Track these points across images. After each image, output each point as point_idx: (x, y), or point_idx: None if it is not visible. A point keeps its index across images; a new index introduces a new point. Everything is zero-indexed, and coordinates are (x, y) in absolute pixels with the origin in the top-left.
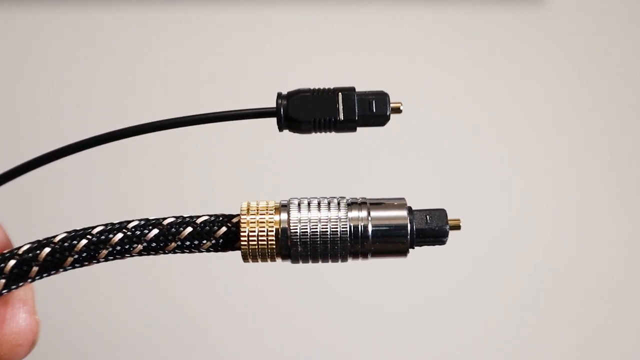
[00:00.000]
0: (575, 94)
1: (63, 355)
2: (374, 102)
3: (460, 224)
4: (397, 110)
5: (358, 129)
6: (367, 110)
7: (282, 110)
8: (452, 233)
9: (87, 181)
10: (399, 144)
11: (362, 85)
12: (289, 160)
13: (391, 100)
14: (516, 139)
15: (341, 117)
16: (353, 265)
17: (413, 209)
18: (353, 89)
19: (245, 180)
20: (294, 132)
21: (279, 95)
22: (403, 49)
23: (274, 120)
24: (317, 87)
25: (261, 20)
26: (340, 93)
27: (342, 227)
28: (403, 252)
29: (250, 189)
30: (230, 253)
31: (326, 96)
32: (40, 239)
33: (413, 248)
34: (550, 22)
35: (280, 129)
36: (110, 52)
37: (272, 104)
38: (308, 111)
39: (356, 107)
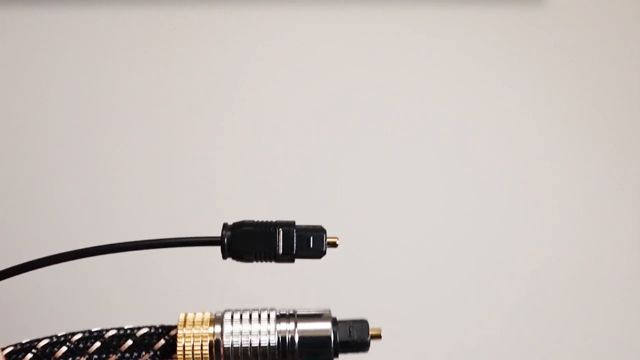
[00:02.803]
0: (575, 93)
1: None
2: (311, 238)
3: (381, 334)
4: (333, 245)
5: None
6: (305, 245)
7: (225, 241)
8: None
9: None
10: (397, 141)
11: (362, 85)
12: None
13: (328, 236)
14: (516, 139)
15: (280, 252)
16: (354, 269)
17: (338, 319)
18: (293, 223)
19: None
20: (237, 260)
21: (224, 227)
22: (401, 48)
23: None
24: (259, 220)
25: (261, 20)
26: (280, 229)
27: (271, 340)
28: None
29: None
30: None
31: (267, 231)
32: None
33: (337, 357)
34: (550, 22)
35: (224, 257)
36: (110, 52)
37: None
38: (250, 245)
39: (294, 243)
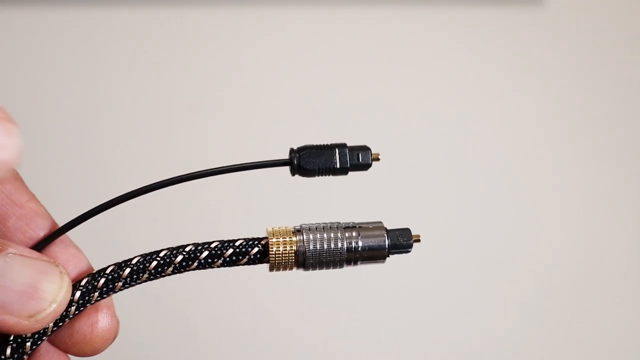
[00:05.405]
0: (575, 93)
1: None
2: (360, 154)
3: (420, 239)
4: (377, 159)
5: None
6: (355, 160)
7: (295, 161)
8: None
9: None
10: (397, 141)
11: (363, 85)
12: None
13: (372, 152)
14: (516, 138)
15: (337, 165)
16: (358, 271)
17: (388, 228)
18: (345, 145)
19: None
20: (302, 176)
21: (292, 151)
22: (402, 48)
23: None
24: (317, 144)
25: (260, 20)
26: (336, 149)
27: (340, 244)
28: (383, 259)
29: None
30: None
31: (326, 151)
32: (120, 261)
33: (389, 256)
34: (550, 22)
35: (293, 174)
36: (110, 52)
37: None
38: (313, 162)
39: (347, 159)
